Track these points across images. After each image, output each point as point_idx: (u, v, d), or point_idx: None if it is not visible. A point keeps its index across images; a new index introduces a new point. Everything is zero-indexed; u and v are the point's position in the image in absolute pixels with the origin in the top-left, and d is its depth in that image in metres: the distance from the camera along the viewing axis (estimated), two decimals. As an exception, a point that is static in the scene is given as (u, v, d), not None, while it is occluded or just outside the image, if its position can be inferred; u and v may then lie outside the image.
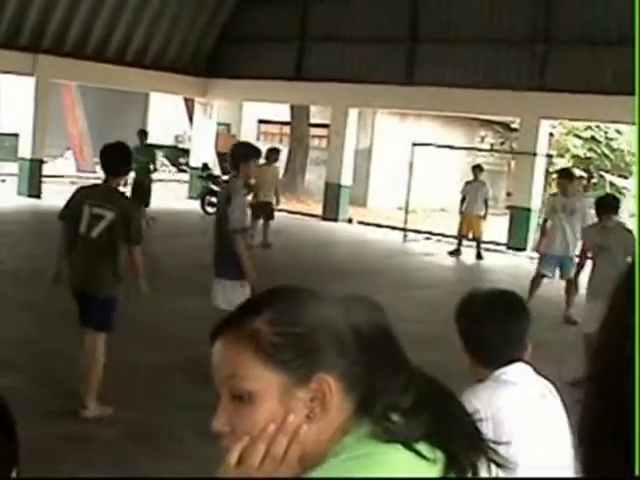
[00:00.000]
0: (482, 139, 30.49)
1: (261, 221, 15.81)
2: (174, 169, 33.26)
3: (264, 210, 15.76)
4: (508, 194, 27.09)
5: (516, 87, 18.44)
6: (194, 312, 8.55)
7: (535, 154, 18.37)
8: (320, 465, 1.22)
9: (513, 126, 27.35)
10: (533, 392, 2.57)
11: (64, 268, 6.13)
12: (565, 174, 11.74)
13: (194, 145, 25.38)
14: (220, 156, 24.10)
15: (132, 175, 17.93)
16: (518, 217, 18.42)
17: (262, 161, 16.34)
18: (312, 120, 27.76)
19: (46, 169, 21.88)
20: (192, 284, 10.20)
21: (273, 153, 16.27)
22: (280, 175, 18.76)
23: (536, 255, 12.26)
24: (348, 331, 1.28)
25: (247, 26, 22.64)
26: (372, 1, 20.91)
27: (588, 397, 0.81)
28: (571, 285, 10.92)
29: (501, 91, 18.52)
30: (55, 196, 20.69)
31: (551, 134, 24.33)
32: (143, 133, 17.80)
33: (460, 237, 17.06)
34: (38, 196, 20.28)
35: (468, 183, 16.76)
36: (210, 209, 18.15)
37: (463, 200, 16.66)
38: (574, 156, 28.77)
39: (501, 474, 1.33)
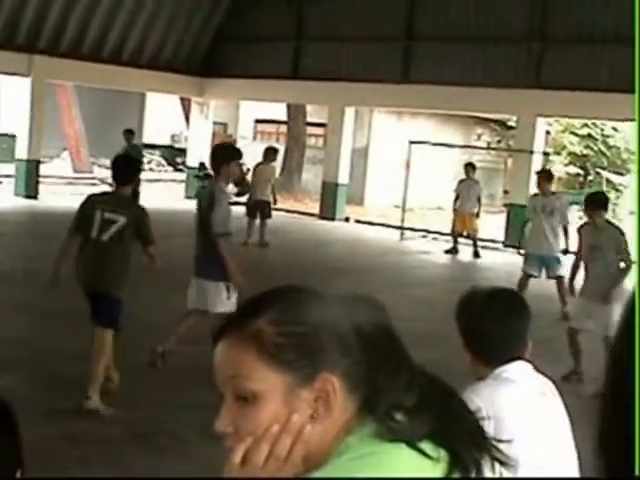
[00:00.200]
0: (479, 137, 30.52)
1: (258, 220, 15.83)
2: (171, 169, 33.26)
3: (261, 209, 15.77)
4: (505, 192, 27.12)
5: (513, 85, 18.46)
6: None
7: (532, 152, 18.39)
8: (324, 465, 1.22)
9: (510, 124, 27.39)
10: (533, 390, 2.58)
11: (62, 271, 6.30)
12: (544, 174, 11.85)
13: (191, 145, 25.37)
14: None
15: None
16: (515, 215, 18.42)
17: (259, 160, 16.47)
18: (309, 119, 27.76)
19: (43, 170, 21.88)
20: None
21: (270, 152, 16.27)
22: (277, 174, 18.77)
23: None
24: (350, 330, 1.28)
25: (243, 25, 22.62)
26: (369, 0, 20.91)
27: (610, 403, 0.81)
28: (562, 283, 11.01)
29: (498, 89, 18.53)
30: (52, 197, 20.76)
31: (547, 132, 24.37)
32: (130, 133, 17.86)
33: (455, 235, 17.10)
34: (35, 197, 20.29)
35: (461, 181, 16.82)
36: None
37: (457, 198, 16.73)
38: (570, 153, 28.82)
39: (504, 472, 1.34)
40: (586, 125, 28.03)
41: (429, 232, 19.72)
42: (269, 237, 15.77)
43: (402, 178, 19.72)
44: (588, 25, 17.82)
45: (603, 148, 28.67)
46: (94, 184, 22.42)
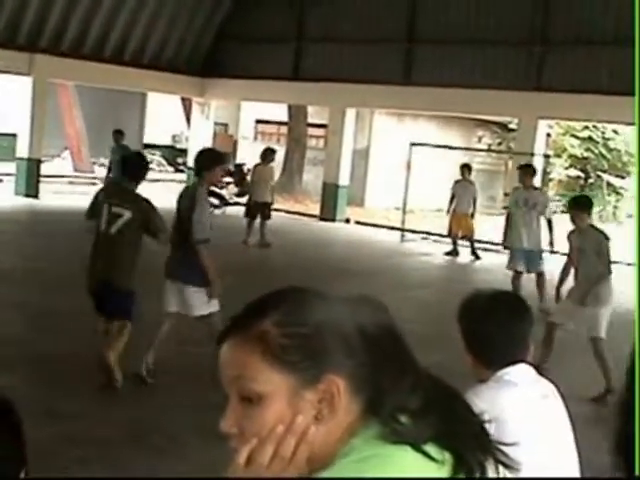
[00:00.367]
0: (479, 139, 30.49)
1: (258, 221, 15.84)
2: (171, 169, 33.26)
3: (261, 210, 15.78)
4: (505, 194, 27.08)
5: (513, 87, 18.46)
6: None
7: (532, 154, 18.37)
8: (328, 466, 1.22)
9: (510, 126, 27.38)
10: (535, 393, 2.58)
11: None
12: (527, 168, 11.99)
13: (191, 145, 25.32)
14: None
15: (109, 175, 17.93)
16: (515, 217, 18.39)
17: (258, 161, 16.47)
18: (310, 120, 27.75)
19: (44, 169, 21.87)
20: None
21: (268, 153, 16.27)
22: (277, 175, 18.75)
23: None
24: (354, 332, 1.28)
25: (245, 26, 22.63)
26: (370, 1, 20.92)
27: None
28: (542, 278, 11.07)
29: (499, 91, 18.54)
30: (52, 196, 20.75)
31: (548, 134, 24.35)
32: (119, 133, 17.88)
33: (453, 237, 17.08)
34: (36, 196, 20.28)
35: (457, 182, 16.82)
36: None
37: (452, 199, 16.73)
38: (571, 156, 28.79)
39: (508, 475, 1.34)
40: (587, 128, 28.01)
41: (430, 234, 19.70)
42: (269, 238, 15.77)
43: (403, 180, 19.72)
44: (588, 27, 17.82)
45: (604, 151, 28.64)
46: (95, 183, 22.39)
